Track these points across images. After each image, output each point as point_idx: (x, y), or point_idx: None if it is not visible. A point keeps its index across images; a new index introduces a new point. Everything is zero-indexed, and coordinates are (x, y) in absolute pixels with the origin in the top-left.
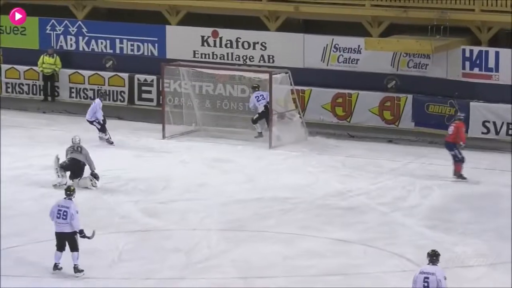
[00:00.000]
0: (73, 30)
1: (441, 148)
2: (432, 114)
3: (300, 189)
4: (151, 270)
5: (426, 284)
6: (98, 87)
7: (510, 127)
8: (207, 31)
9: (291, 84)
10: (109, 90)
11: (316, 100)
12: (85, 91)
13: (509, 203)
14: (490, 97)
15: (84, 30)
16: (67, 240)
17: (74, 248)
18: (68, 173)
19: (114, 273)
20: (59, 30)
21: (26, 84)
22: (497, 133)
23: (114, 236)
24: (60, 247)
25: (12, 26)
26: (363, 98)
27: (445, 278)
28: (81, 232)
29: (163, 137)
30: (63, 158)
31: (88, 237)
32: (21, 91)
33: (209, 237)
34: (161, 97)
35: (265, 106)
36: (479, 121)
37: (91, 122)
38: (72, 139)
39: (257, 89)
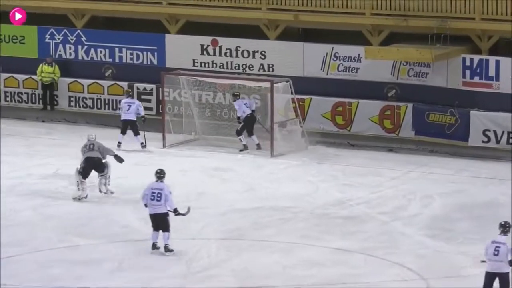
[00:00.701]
0: (72, 39)
1: (442, 157)
2: (432, 123)
3: (300, 198)
4: (151, 279)
5: (496, 252)
6: (97, 95)
7: (511, 136)
8: (206, 39)
9: (292, 93)
10: (108, 99)
11: (316, 109)
12: (84, 100)
13: (510, 212)
14: (490, 106)
15: (83, 38)
16: (160, 220)
17: (166, 228)
18: (88, 187)
19: (114, 282)
20: (58, 39)
21: (25, 93)
22: (497, 142)
23: (114, 246)
24: (156, 227)
25: (11, 34)
26: (363, 107)
27: None
28: (175, 210)
29: (164, 146)
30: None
31: (183, 214)
32: (20, 100)
33: (209, 246)
34: (160, 106)
35: (250, 114)
36: (479, 130)
37: (133, 122)
38: (88, 135)
39: (238, 97)
